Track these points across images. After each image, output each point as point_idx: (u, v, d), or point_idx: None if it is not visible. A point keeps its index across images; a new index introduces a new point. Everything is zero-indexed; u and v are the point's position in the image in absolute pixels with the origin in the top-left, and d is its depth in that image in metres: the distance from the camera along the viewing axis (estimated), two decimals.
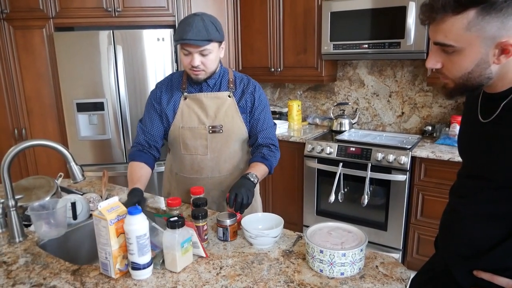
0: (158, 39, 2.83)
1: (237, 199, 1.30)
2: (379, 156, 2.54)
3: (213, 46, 1.42)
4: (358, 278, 1.07)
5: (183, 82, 1.56)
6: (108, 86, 2.86)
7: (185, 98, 1.54)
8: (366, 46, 2.70)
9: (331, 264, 1.06)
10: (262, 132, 1.58)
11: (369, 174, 2.57)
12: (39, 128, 2.98)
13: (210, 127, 1.52)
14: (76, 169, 1.33)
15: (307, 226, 3.07)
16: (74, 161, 1.33)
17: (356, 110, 3.20)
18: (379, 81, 3.09)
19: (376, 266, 1.14)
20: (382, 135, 2.94)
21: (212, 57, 1.43)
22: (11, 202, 1.28)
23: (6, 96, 2.91)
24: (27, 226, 1.44)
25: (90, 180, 1.99)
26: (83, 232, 1.50)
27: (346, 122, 3.11)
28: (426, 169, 2.47)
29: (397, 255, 2.63)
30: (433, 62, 0.89)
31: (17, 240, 1.29)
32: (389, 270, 1.11)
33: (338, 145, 2.72)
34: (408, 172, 2.49)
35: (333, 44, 2.84)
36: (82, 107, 2.84)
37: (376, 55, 2.71)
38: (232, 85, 1.57)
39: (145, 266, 1.06)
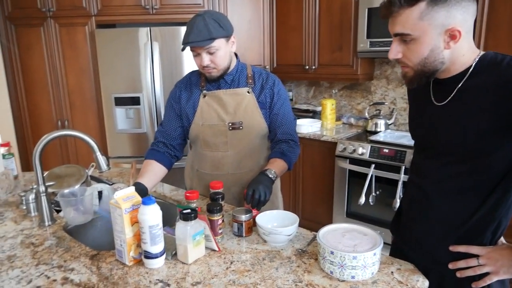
0: None
1: (254, 196, 1.29)
2: None
3: (218, 43, 1.41)
4: (370, 283, 1.04)
5: (201, 80, 1.58)
6: (145, 82, 2.97)
7: (204, 96, 1.56)
8: None
9: (342, 266, 1.03)
10: (282, 127, 1.56)
11: (402, 177, 2.47)
12: (80, 120, 3.15)
13: (230, 124, 1.53)
14: (101, 159, 1.39)
15: None
16: (100, 151, 1.38)
17: (393, 110, 3.09)
18: None
19: (392, 272, 1.09)
20: None
21: (220, 54, 1.43)
22: (42, 188, 1.36)
23: (51, 90, 3.10)
24: (58, 211, 1.53)
25: (121, 171, 2.07)
26: (108, 220, 1.56)
27: (381, 122, 3.01)
28: None
29: None
30: (395, 53, 1.00)
31: (46, 223, 1.37)
32: (405, 277, 1.06)
33: (371, 146, 2.64)
34: None
35: (370, 41, 2.75)
36: (120, 101, 2.97)
37: None
38: (250, 81, 1.56)
39: (157, 256, 1.09)
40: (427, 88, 1.10)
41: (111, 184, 1.78)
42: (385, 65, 3.10)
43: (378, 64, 3.13)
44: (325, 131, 3.09)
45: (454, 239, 1.07)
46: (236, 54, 1.57)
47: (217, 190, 1.41)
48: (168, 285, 1.02)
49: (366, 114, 3.13)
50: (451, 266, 1.07)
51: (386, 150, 2.57)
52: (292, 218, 1.30)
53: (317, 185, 3.03)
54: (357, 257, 1.02)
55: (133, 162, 1.85)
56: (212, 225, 1.23)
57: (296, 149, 1.57)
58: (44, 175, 1.55)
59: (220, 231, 1.26)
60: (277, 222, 1.31)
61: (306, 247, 1.23)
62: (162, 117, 3.04)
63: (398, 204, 2.47)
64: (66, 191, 1.47)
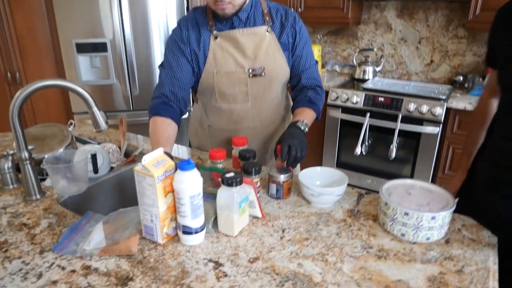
0: None
1: (290, 152, 1.11)
2: (412, 106, 2.35)
3: None
4: (444, 243, 0.93)
5: (208, 18, 1.30)
6: (112, 24, 2.55)
7: (216, 38, 1.29)
8: None
9: (417, 228, 0.90)
10: (306, 71, 1.36)
11: (398, 125, 2.40)
12: (34, 71, 2.69)
13: (250, 70, 1.29)
14: (99, 115, 1.11)
15: None
16: (96, 105, 1.11)
17: (381, 57, 2.96)
18: (409, 25, 2.82)
19: (458, 229, 0.99)
20: (410, 85, 2.73)
21: None
22: (25, 154, 1.07)
23: None
24: (40, 179, 1.25)
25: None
26: (105, 187, 1.31)
27: (370, 69, 2.89)
28: (461, 121, 2.31)
29: None
30: None
31: (33, 197, 1.10)
32: (474, 234, 0.97)
33: (365, 94, 2.52)
34: (441, 124, 2.32)
35: None
36: (83, 48, 2.55)
37: None
38: (267, 18, 1.32)
39: (197, 230, 0.89)
40: None
41: (98, 144, 1.51)
42: (373, 9, 2.92)
43: (367, 7, 2.94)
44: None
45: None
46: None
47: (245, 147, 1.20)
48: (221, 264, 0.84)
49: (354, 61, 2.98)
50: None
51: (382, 99, 2.47)
52: (335, 175, 1.14)
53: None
54: (435, 217, 0.89)
55: (122, 118, 1.57)
56: None
57: (322, 95, 1.38)
58: None
59: (258, 195, 1.08)
60: (320, 181, 1.15)
61: (356, 206, 1.09)
62: (135, 65, 2.72)
63: (394, 154, 2.43)
64: (50, 155, 1.19)
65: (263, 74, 1.30)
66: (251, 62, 1.29)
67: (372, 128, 2.53)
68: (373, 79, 2.85)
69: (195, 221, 0.88)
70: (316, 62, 1.41)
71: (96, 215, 1.00)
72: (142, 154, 1.51)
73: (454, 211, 0.95)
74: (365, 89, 2.57)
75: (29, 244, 0.90)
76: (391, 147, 2.43)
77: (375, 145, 2.60)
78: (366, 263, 0.85)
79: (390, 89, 2.56)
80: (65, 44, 2.55)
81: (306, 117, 1.26)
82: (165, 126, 1.24)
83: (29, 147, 1.15)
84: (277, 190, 1.10)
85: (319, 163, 2.85)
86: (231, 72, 1.29)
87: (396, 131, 2.40)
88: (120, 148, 1.53)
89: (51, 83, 1.04)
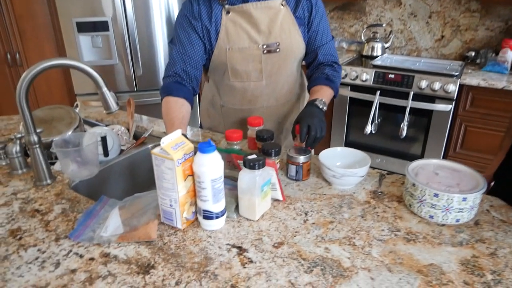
0: None
1: (310, 132, 1.06)
2: (423, 83, 2.29)
3: None
4: (473, 225, 0.89)
5: None
6: (112, 2, 2.46)
7: (228, 12, 1.22)
8: None
9: (447, 210, 0.87)
10: (322, 47, 1.30)
11: (410, 103, 2.34)
12: (34, 51, 2.61)
13: (265, 46, 1.23)
14: (109, 96, 1.06)
15: None
16: (107, 86, 1.05)
17: (390, 33, 2.87)
18: None
19: (487, 210, 0.95)
20: (420, 61, 2.66)
21: None
22: (33, 138, 1.03)
23: None
24: (51, 164, 1.21)
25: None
26: (117, 171, 1.28)
27: (378, 46, 2.81)
28: (474, 98, 2.25)
29: None
30: None
31: (44, 182, 1.06)
32: (504, 215, 0.93)
33: (375, 71, 2.45)
34: (453, 102, 2.27)
35: None
36: (84, 27, 2.46)
37: None
38: None
39: (218, 215, 0.85)
40: None
41: (106, 126, 1.46)
42: None
43: None
44: None
45: None
46: None
47: (262, 128, 1.16)
48: (245, 250, 0.81)
49: (362, 37, 2.90)
50: None
51: (392, 76, 2.40)
52: (356, 155, 1.10)
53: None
54: (467, 199, 0.85)
55: (130, 98, 1.52)
56: None
57: (340, 72, 1.32)
58: None
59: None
60: (340, 161, 1.11)
61: (379, 187, 1.05)
62: (137, 44, 2.63)
63: (405, 132, 2.38)
64: (59, 138, 1.15)
65: (277, 50, 1.24)
66: (265, 37, 1.23)
67: (382, 106, 2.48)
68: (382, 56, 2.77)
69: (217, 206, 0.84)
70: (333, 37, 1.35)
71: (111, 200, 0.97)
72: (152, 136, 1.47)
73: (487, 193, 0.92)
74: (374, 66, 2.50)
75: (44, 231, 0.87)
76: (401, 125, 2.38)
77: (384, 124, 2.55)
78: (395, 246, 0.82)
79: (401, 65, 2.49)
80: (65, 23, 2.47)
81: (324, 95, 1.21)
82: (179, 106, 1.18)
83: (38, 130, 1.11)
84: (296, 172, 1.06)
85: (327, 143, 2.81)
86: (245, 48, 1.23)
87: (407, 109, 2.35)
88: (129, 130, 1.49)
89: (58, 62, 0.98)
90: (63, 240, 0.84)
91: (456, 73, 2.27)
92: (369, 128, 2.45)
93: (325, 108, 1.18)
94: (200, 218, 0.86)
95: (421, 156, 2.48)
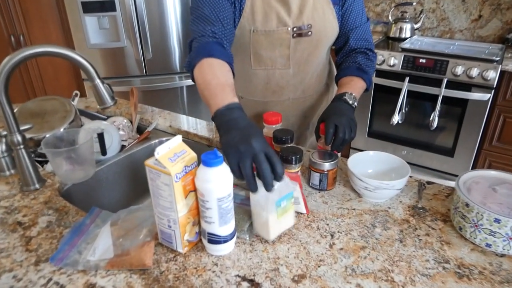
0: None
1: (337, 133, 0.89)
2: (459, 70, 2.07)
3: None
4: None
5: None
6: None
7: None
8: None
9: (511, 238, 0.70)
10: (355, 30, 1.11)
11: (443, 91, 2.12)
12: (39, 34, 2.48)
13: (295, 29, 1.05)
14: (103, 89, 0.91)
15: (356, 149, 2.71)
16: (100, 78, 0.91)
17: (420, 12, 2.62)
18: None
19: None
20: (454, 44, 2.42)
21: None
22: (17, 138, 0.89)
23: None
24: (41, 163, 1.08)
25: None
26: (115, 171, 1.14)
27: (407, 27, 2.57)
28: None
29: None
30: None
31: (32, 187, 0.93)
32: None
33: (404, 56, 2.23)
34: (493, 90, 2.04)
35: None
36: (89, 7, 2.31)
37: None
38: None
39: (227, 239, 0.71)
40: None
41: (107, 119, 1.32)
42: None
43: None
44: None
45: None
46: None
47: (279, 126, 1.00)
48: (258, 284, 0.66)
49: (389, 17, 2.66)
50: None
51: (423, 60, 2.18)
52: (391, 161, 0.93)
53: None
54: None
55: (133, 88, 1.37)
56: None
57: (374, 61, 1.14)
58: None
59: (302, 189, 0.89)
60: (372, 168, 0.94)
61: (419, 201, 0.88)
62: (147, 25, 2.45)
63: (436, 123, 2.18)
64: (50, 135, 1.01)
65: (309, 33, 1.05)
66: (295, 19, 1.04)
67: (410, 94, 2.27)
68: (411, 38, 2.54)
69: (224, 228, 0.69)
70: (368, 19, 1.16)
71: (103, 213, 0.83)
72: (157, 130, 1.33)
73: None
74: (403, 50, 2.27)
75: (23, 251, 0.74)
76: (432, 115, 2.17)
77: (412, 113, 2.35)
78: (444, 285, 0.66)
79: (432, 49, 2.26)
80: (70, 3, 2.31)
81: (355, 88, 1.03)
82: (226, 71, 0.88)
83: (25, 127, 0.97)
84: (320, 180, 0.90)
85: None
86: (272, 31, 1.04)
87: (440, 98, 2.13)
88: (132, 122, 1.35)
89: (42, 50, 0.83)
90: (43, 264, 0.70)
91: (497, 58, 2.03)
92: (396, 118, 2.25)
93: (355, 104, 1.00)
94: (205, 242, 0.72)
95: (452, 150, 2.27)
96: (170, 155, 0.65)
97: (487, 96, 2.05)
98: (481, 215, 0.71)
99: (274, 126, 1.00)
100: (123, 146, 1.22)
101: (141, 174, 1.20)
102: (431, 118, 2.18)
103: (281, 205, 0.73)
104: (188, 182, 0.67)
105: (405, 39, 2.53)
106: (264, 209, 0.72)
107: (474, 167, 2.28)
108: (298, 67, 1.10)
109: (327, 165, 0.88)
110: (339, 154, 0.96)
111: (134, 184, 1.18)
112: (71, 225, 0.81)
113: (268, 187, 0.68)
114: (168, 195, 0.66)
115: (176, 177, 0.64)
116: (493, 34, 2.49)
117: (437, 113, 2.16)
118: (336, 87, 1.14)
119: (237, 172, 0.68)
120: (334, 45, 1.16)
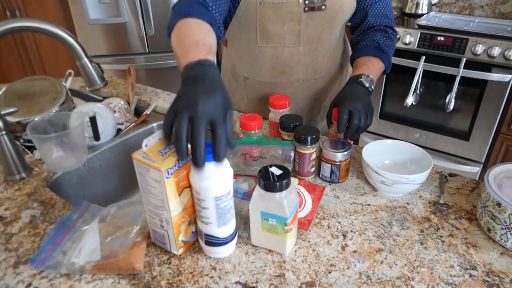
0: None
1: (351, 120, 0.80)
2: (479, 49, 1.93)
3: None
4: None
5: None
6: None
7: None
8: None
9: None
10: (375, 5, 1.00)
11: (461, 71, 1.99)
12: (36, 8, 2.37)
13: (307, 2, 0.94)
14: (91, 68, 0.82)
15: (367, 132, 2.59)
16: (88, 56, 0.81)
17: None
18: None
19: None
20: (474, 21, 2.26)
21: None
22: None
23: None
24: (30, 148, 1.01)
25: (108, 78, 1.48)
26: (110, 157, 1.07)
27: (424, 2, 2.42)
28: None
29: (476, 169, 2.21)
30: None
31: (16, 176, 0.86)
32: None
33: (420, 33, 2.09)
34: None
35: None
36: None
37: None
38: None
39: (227, 240, 0.63)
40: None
41: (102, 100, 1.24)
42: None
43: None
44: None
45: None
46: None
47: (287, 111, 0.90)
48: None
49: None
50: None
51: (441, 38, 2.04)
52: (410, 151, 0.84)
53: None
54: None
55: (130, 66, 1.28)
56: (301, 160, 0.78)
57: (394, 40, 1.04)
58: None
59: (312, 170, 0.81)
60: (389, 158, 0.85)
61: (441, 196, 0.79)
62: (149, 2, 2.34)
63: (452, 105, 2.06)
64: (38, 119, 0.93)
65: (323, 7, 0.94)
66: None
67: (426, 74, 2.14)
68: (428, 14, 2.39)
69: (223, 230, 0.61)
70: None
71: (91, 207, 0.76)
72: (155, 112, 1.24)
73: None
74: (420, 27, 2.13)
75: (2, 250, 0.67)
76: (448, 97, 2.05)
77: (427, 94, 2.22)
78: None
79: (451, 26, 2.11)
80: None
81: (372, 70, 0.93)
82: (205, 30, 0.77)
83: (8, 110, 0.90)
84: (331, 172, 0.82)
85: None
86: (281, 3, 0.93)
87: (457, 79, 2.01)
88: (129, 104, 1.26)
89: (19, 25, 0.74)
90: (23, 267, 0.64)
91: None
92: (410, 100, 2.13)
93: (373, 87, 0.91)
94: (202, 243, 0.64)
95: (468, 133, 2.16)
96: (161, 148, 0.57)
97: (508, 77, 1.92)
98: None
99: (281, 110, 0.91)
100: (119, 130, 1.14)
101: None
102: (447, 100, 2.06)
103: (268, 221, 0.63)
104: (182, 178, 0.59)
105: (422, 15, 2.38)
106: (252, 207, 0.63)
107: (490, 152, 2.17)
108: (309, 45, 0.99)
109: (339, 156, 0.79)
110: (352, 142, 0.87)
111: (130, 172, 1.10)
112: (56, 220, 0.73)
113: (196, 163, 0.53)
114: (159, 192, 0.58)
115: (168, 172, 0.56)
116: None
117: (454, 94, 2.04)
118: (350, 68, 1.04)
119: (168, 130, 0.55)
120: (350, 22, 1.05)
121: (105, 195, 1.04)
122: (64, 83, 1.13)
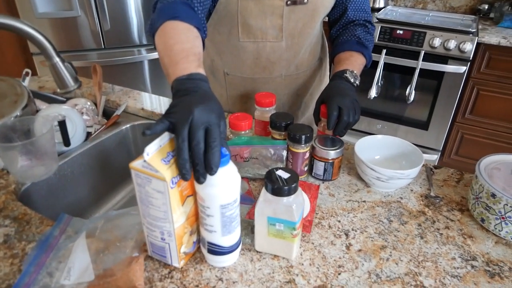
0: None
1: (341, 116, 0.80)
2: (436, 41, 2.02)
3: None
4: None
5: None
6: None
7: None
8: None
9: None
10: (354, 1, 1.00)
11: (420, 64, 2.08)
12: None
13: None
14: (63, 69, 0.75)
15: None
16: (59, 55, 0.74)
17: None
18: None
19: None
20: (429, 15, 2.37)
21: None
22: None
23: None
24: None
25: None
26: (82, 163, 0.99)
27: None
28: (490, 59, 2.01)
29: (435, 157, 2.33)
30: None
31: None
32: None
33: (381, 27, 2.15)
34: (468, 63, 2.03)
35: None
36: None
37: None
38: None
39: (231, 249, 0.60)
40: None
41: (65, 101, 1.15)
42: None
43: None
44: None
45: None
46: None
47: (270, 109, 0.88)
48: None
49: None
50: None
51: (400, 32, 2.11)
52: (399, 145, 0.85)
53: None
54: None
55: (96, 65, 1.19)
56: (294, 159, 0.76)
57: (373, 35, 1.04)
58: None
59: (305, 168, 0.79)
60: (379, 154, 0.86)
61: (431, 188, 0.81)
62: None
63: (413, 96, 2.15)
64: None
65: (305, 1, 0.92)
66: None
67: (386, 67, 2.21)
68: (385, 9, 2.46)
69: (227, 238, 0.58)
70: None
71: (73, 220, 0.69)
72: (126, 113, 1.17)
73: None
74: (380, 20, 2.20)
75: None
76: (408, 89, 2.14)
77: (387, 87, 2.30)
78: (477, 286, 0.59)
79: (408, 20, 2.19)
80: None
81: (355, 65, 0.93)
82: (193, 37, 0.73)
83: None
84: (325, 170, 0.81)
85: None
86: None
87: (417, 71, 2.09)
88: (96, 105, 1.17)
89: None
90: None
91: (473, 30, 2.00)
92: (373, 92, 2.19)
93: (357, 82, 0.91)
94: (204, 251, 0.61)
95: (427, 123, 2.27)
96: (163, 155, 0.52)
97: (462, 69, 2.04)
98: (511, 207, 0.64)
99: (267, 108, 0.88)
100: (88, 134, 1.06)
101: (112, 165, 1.06)
102: (407, 92, 2.15)
103: (275, 226, 0.61)
104: (186, 186, 0.55)
105: (379, 9, 2.46)
106: (257, 213, 0.61)
107: (447, 140, 2.30)
108: (291, 39, 0.97)
109: (332, 153, 0.79)
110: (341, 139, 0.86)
111: (105, 177, 1.03)
112: (36, 238, 0.66)
113: (198, 180, 0.53)
114: (162, 204, 0.53)
115: (172, 182, 0.52)
116: (464, 5, 2.46)
117: (414, 86, 2.13)
118: (328, 62, 1.03)
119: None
120: (329, 16, 1.05)
121: (79, 204, 0.96)
122: (23, 83, 1.03)
